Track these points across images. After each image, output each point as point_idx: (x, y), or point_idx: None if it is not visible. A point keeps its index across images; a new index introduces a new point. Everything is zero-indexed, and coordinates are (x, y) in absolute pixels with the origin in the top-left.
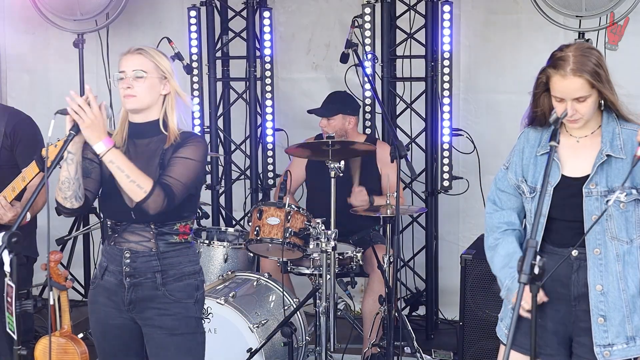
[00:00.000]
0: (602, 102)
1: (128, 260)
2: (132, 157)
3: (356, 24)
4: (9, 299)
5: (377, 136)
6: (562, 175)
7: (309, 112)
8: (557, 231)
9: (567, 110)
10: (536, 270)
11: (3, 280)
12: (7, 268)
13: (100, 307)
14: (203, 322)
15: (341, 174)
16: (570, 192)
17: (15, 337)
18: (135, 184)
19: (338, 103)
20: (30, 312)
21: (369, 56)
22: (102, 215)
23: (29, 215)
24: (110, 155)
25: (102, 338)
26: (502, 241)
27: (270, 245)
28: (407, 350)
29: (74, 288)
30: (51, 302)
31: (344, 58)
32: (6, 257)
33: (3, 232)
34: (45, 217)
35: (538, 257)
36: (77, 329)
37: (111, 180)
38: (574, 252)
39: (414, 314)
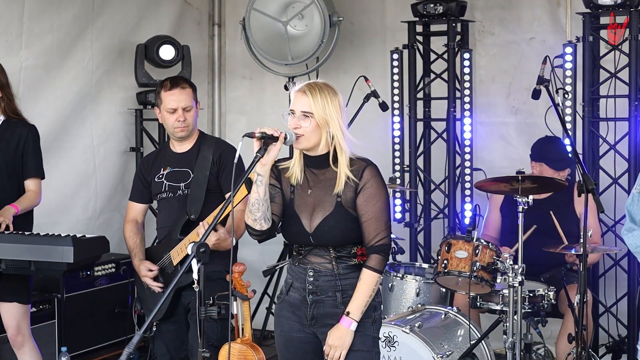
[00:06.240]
0: None
1: (311, 279)
2: (312, 185)
3: (548, 61)
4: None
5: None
6: None
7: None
8: None
9: None
10: None
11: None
12: (195, 276)
13: (285, 320)
14: (388, 349)
15: (526, 208)
16: None
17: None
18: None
19: (567, 156)
20: (215, 319)
21: (569, 95)
22: (284, 238)
23: (234, 240)
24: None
25: (285, 349)
26: None
27: (460, 279)
28: None
29: None
30: (234, 312)
31: (535, 94)
32: (195, 266)
33: (192, 243)
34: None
35: None
36: None
37: (291, 206)
38: None
39: None
